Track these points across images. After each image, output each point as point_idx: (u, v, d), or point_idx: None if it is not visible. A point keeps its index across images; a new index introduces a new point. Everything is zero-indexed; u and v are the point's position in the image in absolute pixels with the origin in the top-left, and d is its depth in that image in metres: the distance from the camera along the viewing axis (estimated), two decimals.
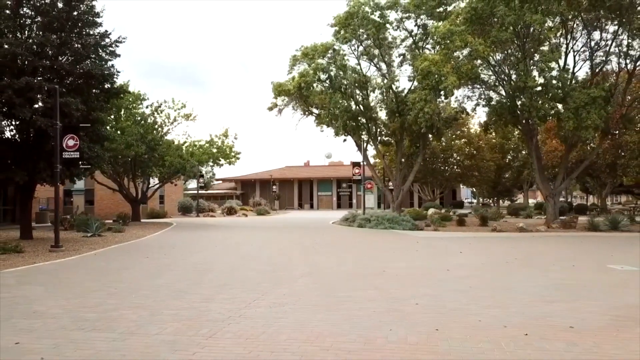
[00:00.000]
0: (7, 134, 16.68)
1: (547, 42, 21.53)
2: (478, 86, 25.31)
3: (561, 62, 23.18)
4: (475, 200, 68.41)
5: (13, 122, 16.16)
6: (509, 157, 47.46)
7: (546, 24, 21.12)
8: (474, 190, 61.37)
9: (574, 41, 23.61)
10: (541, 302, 6.72)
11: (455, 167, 46.20)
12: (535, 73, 21.23)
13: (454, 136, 42.94)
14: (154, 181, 31.68)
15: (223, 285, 8.20)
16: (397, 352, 4.53)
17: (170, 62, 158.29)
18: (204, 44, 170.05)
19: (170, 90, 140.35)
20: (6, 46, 15.68)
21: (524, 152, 42.05)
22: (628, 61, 22.66)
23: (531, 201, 54.99)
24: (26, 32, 16.67)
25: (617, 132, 30.12)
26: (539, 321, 5.64)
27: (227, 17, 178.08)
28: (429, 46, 24.84)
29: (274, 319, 5.83)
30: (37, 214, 29.54)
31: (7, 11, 15.70)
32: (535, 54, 21.32)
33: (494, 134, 34.85)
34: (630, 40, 22.22)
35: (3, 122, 15.06)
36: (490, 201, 59.52)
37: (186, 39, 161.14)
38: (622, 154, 33.64)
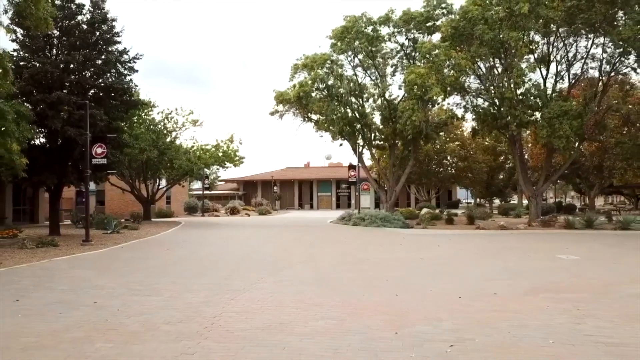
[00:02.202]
0: (37, 142, 18.67)
1: (525, 56, 23.42)
2: (466, 94, 27.26)
3: (544, 72, 25.19)
4: (472, 201, 70.29)
5: (43, 131, 18.13)
6: (501, 158, 49.34)
7: (523, 40, 23.06)
8: (471, 190, 63.25)
9: (557, 51, 25.54)
10: (484, 280, 8.69)
11: (449, 168, 48.09)
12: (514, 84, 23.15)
13: (447, 139, 44.85)
14: (163, 183, 33.66)
15: (236, 269, 10.16)
16: (364, 307, 6.49)
17: (172, 62, 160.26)
18: (205, 44, 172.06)
19: (171, 89, 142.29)
20: (38, 64, 17.73)
21: None
22: (606, 67, 24.50)
23: (526, 202, 56.76)
24: (54, 50, 18.64)
25: (602, 135, 32.05)
26: (474, 291, 7.61)
27: (227, 17, 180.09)
28: (419, 56, 26.75)
29: (278, 289, 7.80)
30: None
31: (38, 32, 17.60)
32: (514, 67, 23.20)
33: (482, 138, 36.77)
34: (603, 53, 24.19)
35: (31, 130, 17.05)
36: (485, 201, 61.36)
37: (187, 39, 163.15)
38: (607, 156, 35.44)
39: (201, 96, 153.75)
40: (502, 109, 23.92)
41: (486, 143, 45.49)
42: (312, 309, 6.36)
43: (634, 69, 24.51)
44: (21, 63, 18.10)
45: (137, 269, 10.47)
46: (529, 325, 5.49)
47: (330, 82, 26.52)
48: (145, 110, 28.29)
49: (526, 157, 39.95)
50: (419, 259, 11.75)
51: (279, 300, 6.96)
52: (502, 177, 51.66)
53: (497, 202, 61.29)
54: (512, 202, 60.13)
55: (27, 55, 18.11)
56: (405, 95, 24.50)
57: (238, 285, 8.17)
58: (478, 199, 64.07)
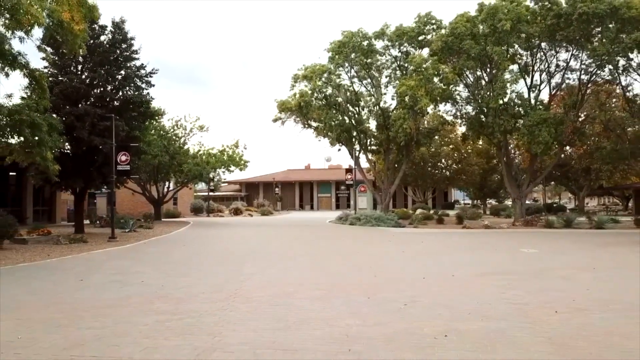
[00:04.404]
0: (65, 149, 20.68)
1: (508, 68, 25.41)
2: (456, 102, 29.31)
3: (528, 81, 27.24)
4: (470, 202, 72.27)
5: (72, 139, 20.15)
6: (494, 161, 51.31)
7: (508, 53, 25.11)
8: (467, 192, 65.20)
9: (540, 62, 27.54)
10: (448, 267, 10.70)
11: (444, 170, 50.15)
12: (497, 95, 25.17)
13: (442, 142, 46.91)
14: (171, 185, 35.80)
15: (246, 260, 12.19)
16: (348, 283, 8.52)
17: (172, 62, 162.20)
18: (205, 44, 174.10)
19: (172, 89, 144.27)
20: (66, 80, 19.78)
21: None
22: (584, 79, 26.49)
23: None
24: (79, 67, 20.68)
25: (590, 140, 34.14)
26: (437, 274, 9.63)
27: (227, 17, 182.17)
28: (411, 67, 28.78)
29: (283, 274, 9.85)
30: (68, 214, 33.75)
31: (72, 54, 19.63)
32: (498, 79, 25.22)
33: (473, 142, 38.78)
34: (582, 66, 26.20)
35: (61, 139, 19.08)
36: (479, 202, 63.27)
37: (187, 39, 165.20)
38: (589, 160, 37.38)
39: (202, 96, 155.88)
40: (488, 118, 25.95)
41: (479, 146, 47.58)
42: (309, 285, 8.40)
43: (609, 81, 26.64)
44: (50, 79, 20.13)
45: (164, 260, 12.52)
46: (466, 293, 7.52)
47: (328, 92, 28.57)
48: (156, 117, 30.33)
49: (518, 160, 41.99)
50: (401, 252, 13.79)
51: (284, 280, 9.00)
52: (496, 178, 53.63)
53: (494, 203, 63.37)
54: (507, 202, 62.15)
55: (56, 71, 20.14)
56: (398, 105, 26.52)
57: (251, 271, 10.21)
58: (473, 200, 66.16)
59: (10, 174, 28.02)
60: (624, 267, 10.56)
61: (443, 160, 48.95)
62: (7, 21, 11.28)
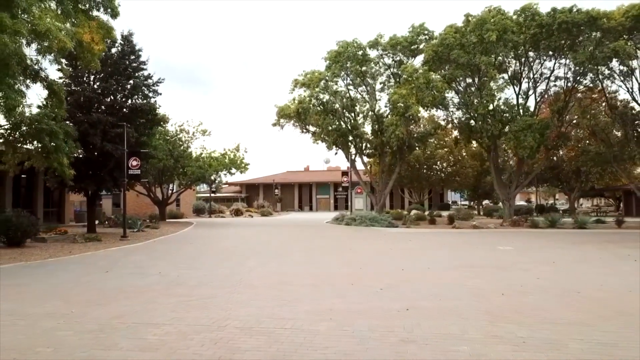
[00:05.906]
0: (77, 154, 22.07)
1: (496, 77, 26.80)
2: (447, 108, 30.74)
3: (516, 88, 28.67)
4: (467, 203, 73.62)
5: (87, 145, 21.52)
6: (487, 163, 52.61)
7: (495, 62, 26.50)
8: (463, 192, 66.57)
9: (529, 70, 28.93)
10: (427, 261, 12.11)
11: (439, 172, 51.56)
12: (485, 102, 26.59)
13: (437, 145, 48.32)
14: (175, 187, 37.27)
15: (248, 256, 13.59)
16: (337, 274, 9.93)
17: (172, 62, 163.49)
18: (205, 44, 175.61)
19: (172, 90, 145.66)
20: (80, 89, 21.18)
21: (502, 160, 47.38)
22: (568, 86, 27.91)
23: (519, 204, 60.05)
24: (92, 77, 22.08)
25: (582, 142, 35.58)
26: (415, 267, 11.04)
27: (228, 17, 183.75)
28: (405, 75, 30.20)
29: (281, 267, 11.26)
30: (75, 215, 35.19)
31: (88, 69, 21.00)
32: (486, 87, 26.64)
33: (466, 146, 40.21)
34: (565, 73, 27.65)
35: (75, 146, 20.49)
36: (474, 203, 64.65)
37: (187, 39, 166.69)
38: (573, 162, 38.76)
39: (203, 97, 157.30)
40: (476, 123, 27.36)
41: (473, 149, 49.00)
42: (303, 275, 9.81)
43: (591, 88, 28.09)
44: (65, 88, 21.53)
45: (175, 256, 13.93)
46: (434, 282, 8.93)
47: (325, 99, 29.99)
48: (162, 123, 31.74)
49: (512, 162, 43.38)
50: (389, 249, 15.20)
51: (282, 272, 10.41)
52: (491, 180, 54.94)
53: (491, 204, 64.75)
54: (501, 204, 63.45)
55: (69, 82, 21.52)
56: (390, 111, 27.94)
57: (252, 265, 11.62)
58: (469, 201, 67.58)
59: (22, 176, 29.47)
60: (582, 262, 11.98)
61: (438, 162, 50.34)
62: (39, 47, 12.68)
